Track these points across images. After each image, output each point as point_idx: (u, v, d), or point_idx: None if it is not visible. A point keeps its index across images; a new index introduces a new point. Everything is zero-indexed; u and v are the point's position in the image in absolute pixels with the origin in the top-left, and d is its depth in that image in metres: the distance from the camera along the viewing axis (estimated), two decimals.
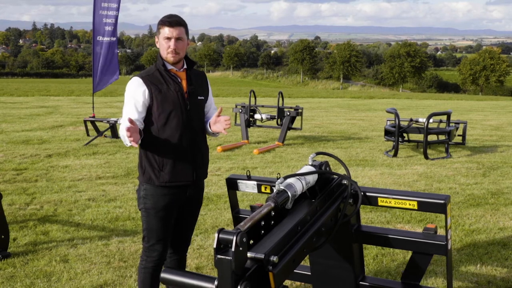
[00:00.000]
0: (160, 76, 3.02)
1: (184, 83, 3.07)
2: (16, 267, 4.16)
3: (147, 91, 2.97)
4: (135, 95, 2.98)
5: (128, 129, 2.75)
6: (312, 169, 2.55)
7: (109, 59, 10.96)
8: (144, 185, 3.07)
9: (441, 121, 10.30)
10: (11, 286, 3.83)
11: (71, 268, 4.15)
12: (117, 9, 11.01)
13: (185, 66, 3.12)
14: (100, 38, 10.83)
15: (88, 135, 10.73)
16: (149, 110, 3.00)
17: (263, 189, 2.93)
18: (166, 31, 2.97)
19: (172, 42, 2.97)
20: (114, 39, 11.02)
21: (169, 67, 3.05)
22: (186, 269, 3.92)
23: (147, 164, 3.04)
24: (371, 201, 2.70)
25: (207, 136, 3.25)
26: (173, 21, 2.98)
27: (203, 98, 3.15)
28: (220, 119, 3.06)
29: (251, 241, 2.07)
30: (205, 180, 3.31)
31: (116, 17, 11.02)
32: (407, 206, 2.62)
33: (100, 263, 4.25)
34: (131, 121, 2.79)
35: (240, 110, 10.84)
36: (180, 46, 3.00)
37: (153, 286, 3.13)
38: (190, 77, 3.11)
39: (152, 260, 3.10)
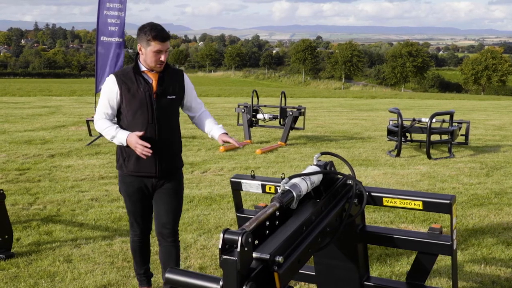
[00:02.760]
0: (133, 76, 3.30)
1: (154, 84, 3.32)
2: (20, 267, 4.16)
3: (118, 90, 3.29)
4: (109, 93, 3.32)
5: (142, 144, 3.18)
6: (317, 169, 2.53)
7: (113, 59, 10.94)
8: (119, 171, 3.48)
9: (443, 121, 10.28)
10: (15, 286, 3.83)
11: (75, 268, 4.14)
12: (122, 10, 10.99)
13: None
14: (104, 38, 10.81)
15: (90, 135, 10.73)
16: (119, 107, 3.33)
17: (267, 189, 2.91)
18: (159, 46, 3.21)
19: (163, 56, 3.25)
20: (120, 39, 11.00)
21: (143, 68, 3.32)
22: (190, 270, 3.92)
23: (120, 154, 3.42)
24: (376, 201, 2.68)
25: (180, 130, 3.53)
26: (165, 36, 3.24)
27: (173, 97, 3.39)
28: (230, 140, 3.40)
29: (256, 241, 2.06)
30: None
31: (122, 18, 11.00)
32: (412, 206, 2.60)
33: (104, 263, 4.25)
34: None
35: (243, 110, 10.83)
36: (167, 56, 3.29)
37: (142, 254, 3.63)
38: (163, 78, 3.34)
39: (135, 234, 3.58)
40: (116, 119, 3.42)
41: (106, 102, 3.33)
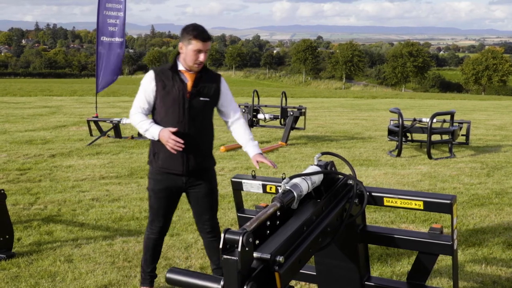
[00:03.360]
0: (170, 74, 3.37)
1: (189, 84, 3.38)
2: (21, 267, 4.16)
3: (154, 86, 3.37)
4: (146, 88, 3.41)
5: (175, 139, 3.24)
6: (318, 169, 2.53)
7: (113, 59, 10.95)
8: (149, 166, 3.53)
9: (444, 121, 10.28)
10: (15, 286, 3.83)
11: (76, 268, 4.15)
12: (122, 10, 10.99)
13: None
14: (104, 38, 10.82)
15: (91, 135, 10.73)
16: (154, 102, 3.41)
17: (268, 189, 2.91)
18: (199, 45, 3.29)
19: (202, 56, 3.31)
20: (120, 39, 11.00)
21: (181, 68, 3.39)
22: (191, 270, 3.93)
23: (151, 149, 3.49)
24: (377, 201, 2.68)
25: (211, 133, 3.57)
26: (206, 37, 3.32)
27: (207, 99, 3.43)
28: (265, 161, 3.42)
29: (257, 241, 2.06)
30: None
31: (122, 18, 11.01)
32: (413, 206, 2.60)
33: (105, 263, 4.25)
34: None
35: (243, 110, 10.83)
36: (206, 57, 3.34)
37: (154, 253, 3.66)
38: (199, 80, 3.40)
39: (153, 232, 3.60)
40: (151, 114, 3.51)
41: (143, 96, 3.41)
